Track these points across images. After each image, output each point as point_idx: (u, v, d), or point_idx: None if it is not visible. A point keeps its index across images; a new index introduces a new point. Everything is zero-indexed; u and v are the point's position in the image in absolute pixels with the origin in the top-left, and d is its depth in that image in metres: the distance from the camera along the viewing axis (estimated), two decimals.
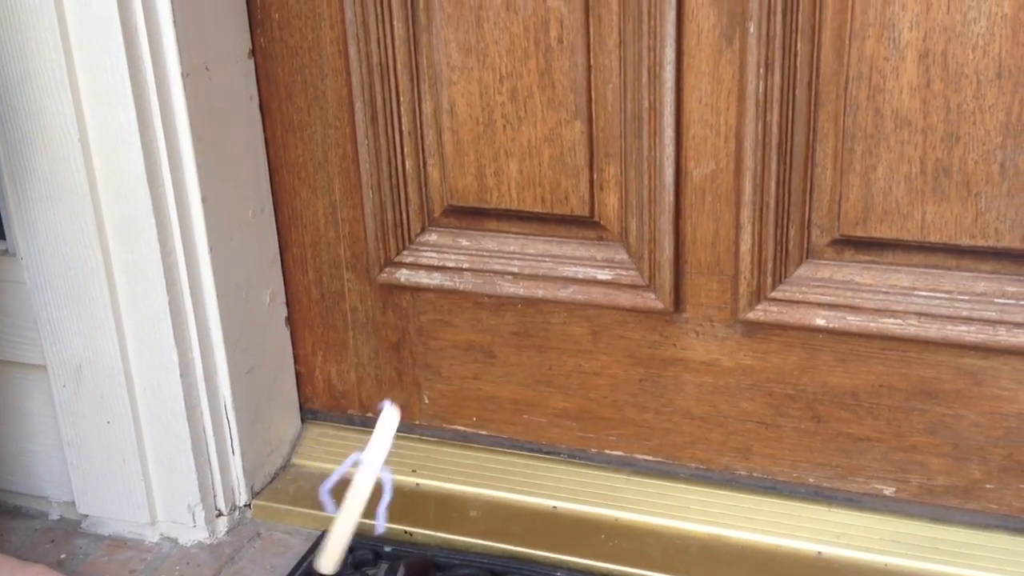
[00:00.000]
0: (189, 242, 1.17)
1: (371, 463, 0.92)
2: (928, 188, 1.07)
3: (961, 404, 1.13)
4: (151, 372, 1.20)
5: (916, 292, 1.10)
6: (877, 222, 1.09)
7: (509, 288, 1.22)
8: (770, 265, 1.13)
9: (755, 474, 1.23)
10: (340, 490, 0.94)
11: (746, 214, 1.11)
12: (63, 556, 1.25)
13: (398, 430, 1.32)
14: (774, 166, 1.09)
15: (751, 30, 1.05)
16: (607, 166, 1.16)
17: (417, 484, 1.30)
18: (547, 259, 1.21)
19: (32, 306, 1.20)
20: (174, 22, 1.09)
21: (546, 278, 1.21)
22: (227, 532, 1.27)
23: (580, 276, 1.20)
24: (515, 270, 1.22)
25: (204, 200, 1.16)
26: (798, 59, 1.06)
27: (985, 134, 1.03)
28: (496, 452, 1.32)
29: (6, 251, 1.21)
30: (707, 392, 1.22)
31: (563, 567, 1.17)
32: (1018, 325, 1.07)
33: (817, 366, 1.17)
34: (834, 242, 1.12)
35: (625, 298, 1.19)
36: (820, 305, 1.13)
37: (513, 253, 1.22)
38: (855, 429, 1.18)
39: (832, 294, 1.12)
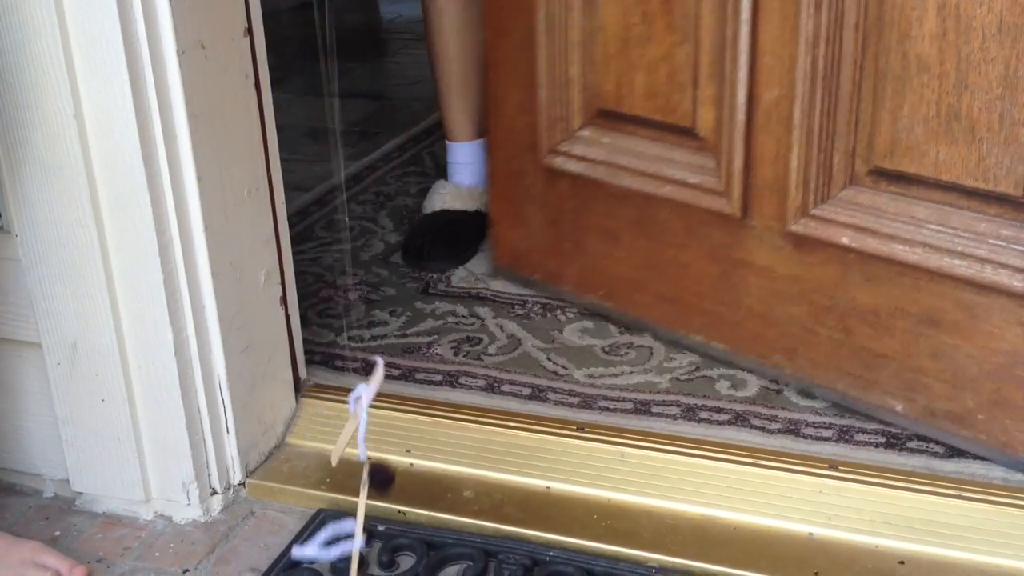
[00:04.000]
0: (184, 220, 1.17)
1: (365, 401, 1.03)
2: (942, 129, 1.16)
3: (960, 335, 1.21)
4: (146, 350, 1.20)
5: (927, 224, 1.20)
6: (901, 156, 1.20)
7: (627, 182, 1.43)
8: (813, 185, 1.26)
9: (798, 373, 1.35)
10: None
11: (794, 136, 1.25)
12: (57, 533, 1.25)
13: (395, 408, 1.37)
14: (819, 96, 1.22)
15: None
16: (707, 86, 1.33)
17: (411, 464, 1.30)
18: (659, 161, 1.40)
19: (27, 283, 1.20)
20: None
21: (654, 176, 1.41)
22: (221, 510, 1.27)
23: (677, 178, 1.39)
24: (634, 167, 1.42)
25: (199, 178, 1.16)
26: (845, 2, 1.19)
27: (988, 84, 1.12)
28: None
29: (1, 228, 1.21)
30: (765, 294, 1.35)
31: (556, 547, 1.18)
32: (1002, 265, 1.16)
33: (848, 282, 1.27)
34: (871, 171, 1.23)
35: (707, 201, 1.36)
36: (847, 225, 1.25)
37: (636, 152, 1.42)
38: (875, 345, 1.27)
39: (859, 217, 1.24)
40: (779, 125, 1.26)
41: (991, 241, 1.17)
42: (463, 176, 1.85)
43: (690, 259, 1.41)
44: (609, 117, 1.44)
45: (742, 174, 1.31)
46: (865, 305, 1.26)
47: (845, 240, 1.24)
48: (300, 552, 1.05)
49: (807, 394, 1.36)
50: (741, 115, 1.29)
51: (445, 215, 1.80)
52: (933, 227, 1.19)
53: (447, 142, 1.87)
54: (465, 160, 1.84)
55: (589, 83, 1.43)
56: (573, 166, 1.48)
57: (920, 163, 1.18)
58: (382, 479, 1.07)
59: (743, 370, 1.41)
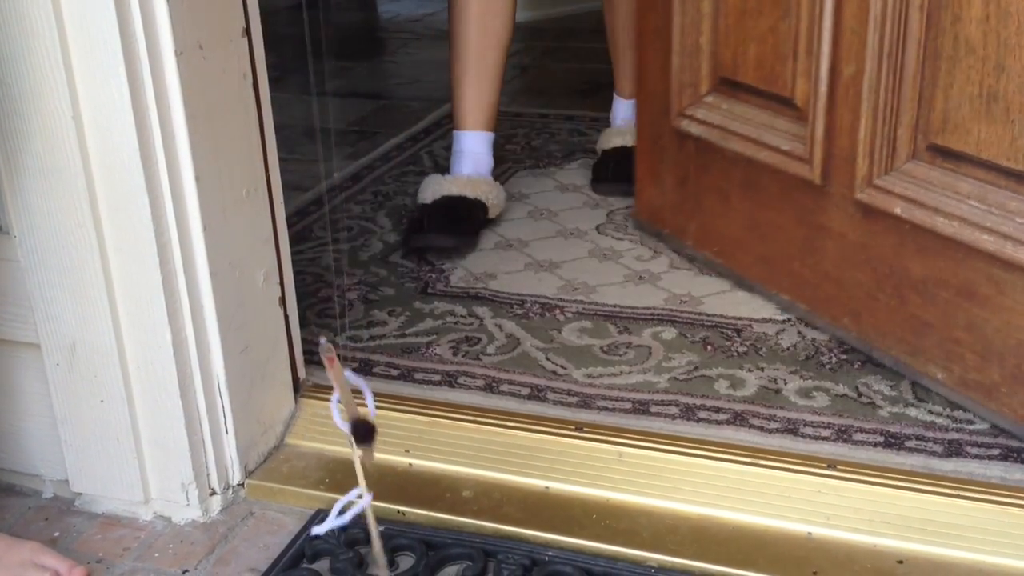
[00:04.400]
0: (183, 221, 1.17)
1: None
2: (983, 109, 1.21)
3: (989, 309, 1.25)
4: (145, 351, 1.20)
5: (967, 200, 1.25)
6: (950, 134, 1.25)
7: (736, 146, 1.54)
8: (876, 156, 1.33)
9: (862, 337, 1.43)
10: None
11: (863, 109, 1.32)
12: (56, 534, 1.25)
13: (394, 407, 1.38)
14: (884, 73, 1.29)
15: None
16: (803, 59, 1.42)
17: (410, 464, 1.30)
18: (762, 127, 1.50)
19: (25, 284, 1.20)
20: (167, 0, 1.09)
21: (756, 142, 1.51)
22: (221, 511, 1.27)
23: (773, 144, 1.48)
24: (742, 132, 1.53)
25: (198, 178, 1.16)
26: None
27: (1021, 67, 1.16)
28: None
29: None
30: (839, 260, 1.43)
31: (555, 547, 1.18)
32: (1022, 243, 1.20)
33: (904, 252, 1.34)
34: (929, 147, 1.29)
35: (795, 167, 1.46)
36: (901, 197, 1.31)
37: (746, 118, 1.53)
38: (922, 313, 1.33)
39: (912, 190, 1.30)
40: (854, 98, 1.33)
41: (1018, 219, 1.20)
42: (465, 165, 1.84)
43: (783, 222, 1.50)
44: (728, 85, 1.56)
45: (823, 143, 1.40)
46: (916, 275, 1.33)
47: (898, 211, 1.31)
48: (320, 529, 1.04)
49: (868, 357, 1.43)
50: (824, 87, 1.38)
51: (445, 200, 1.79)
52: (972, 203, 1.24)
53: (454, 131, 1.87)
54: (470, 149, 1.84)
55: (714, 52, 1.56)
56: (696, 129, 1.60)
57: (965, 141, 1.23)
58: (364, 431, 1.07)
59: (816, 329, 1.51)
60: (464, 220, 1.78)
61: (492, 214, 1.85)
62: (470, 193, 1.80)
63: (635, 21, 1.72)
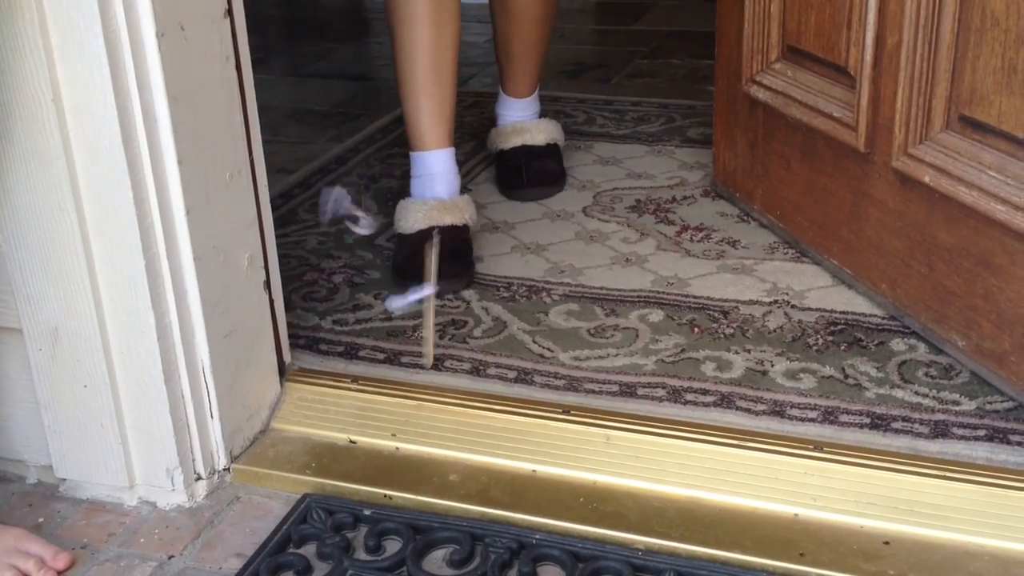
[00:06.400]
0: (165, 205, 1.16)
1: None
2: (1004, 81, 1.23)
3: (1003, 279, 1.28)
4: (128, 336, 1.19)
5: (988, 170, 1.27)
6: (976, 105, 1.27)
7: (796, 113, 1.58)
8: (912, 125, 1.37)
9: (897, 304, 1.46)
10: None
11: (900, 79, 1.36)
12: (41, 520, 1.25)
13: (380, 392, 1.38)
14: (920, 43, 1.32)
15: None
16: (856, 28, 1.45)
17: (397, 448, 1.30)
18: (819, 95, 1.55)
19: (7, 269, 1.19)
20: None
21: (813, 109, 1.55)
22: (206, 496, 1.27)
23: (826, 111, 1.52)
24: (802, 99, 1.57)
25: (180, 162, 1.15)
26: None
27: None
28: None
29: None
30: (879, 227, 1.47)
31: (542, 530, 1.18)
32: None
33: (934, 221, 1.37)
34: (960, 118, 1.31)
35: (843, 134, 1.49)
36: (931, 166, 1.34)
37: (806, 86, 1.58)
38: (947, 282, 1.36)
39: (941, 160, 1.33)
40: (896, 68, 1.37)
41: None
42: (439, 188, 1.66)
43: (835, 188, 1.54)
44: (793, 52, 1.61)
45: (868, 111, 1.43)
46: (943, 243, 1.35)
47: (927, 179, 1.34)
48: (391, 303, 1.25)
49: (902, 323, 1.46)
50: (869, 56, 1.41)
51: (440, 231, 1.60)
52: (992, 173, 1.26)
53: (413, 153, 1.67)
54: (441, 170, 1.67)
55: (784, 20, 1.60)
56: (762, 95, 1.65)
57: (988, 112, 1.26)
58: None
59: (860, 295, 1.54)
60: (467, 253, 1.66)
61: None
62: (459, 220, 1.65)
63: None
